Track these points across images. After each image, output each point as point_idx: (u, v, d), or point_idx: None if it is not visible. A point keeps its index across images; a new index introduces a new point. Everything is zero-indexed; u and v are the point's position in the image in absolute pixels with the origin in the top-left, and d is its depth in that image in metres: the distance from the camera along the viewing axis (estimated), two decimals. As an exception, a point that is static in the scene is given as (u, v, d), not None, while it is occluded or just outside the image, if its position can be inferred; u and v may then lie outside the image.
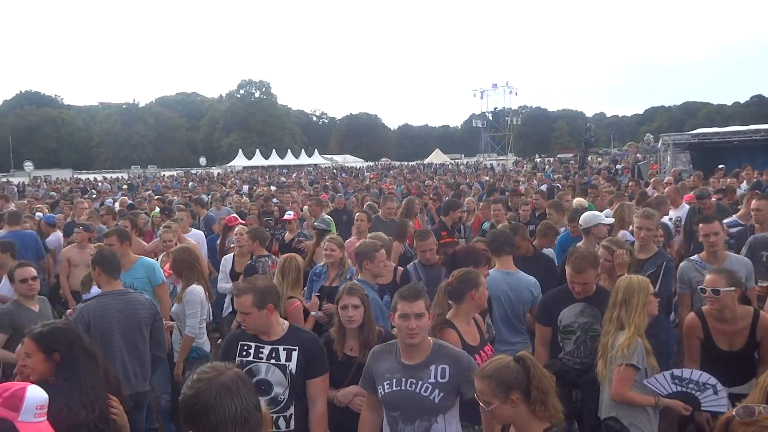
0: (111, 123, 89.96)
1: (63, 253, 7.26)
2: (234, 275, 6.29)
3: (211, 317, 6.37)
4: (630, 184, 12.47)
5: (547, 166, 33.15)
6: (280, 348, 3.30)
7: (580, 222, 5.66)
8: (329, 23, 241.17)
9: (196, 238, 7.67)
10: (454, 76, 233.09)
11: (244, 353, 3.33)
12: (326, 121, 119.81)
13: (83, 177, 50.92)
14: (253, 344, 3.33)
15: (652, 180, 12.90)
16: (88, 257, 5.67)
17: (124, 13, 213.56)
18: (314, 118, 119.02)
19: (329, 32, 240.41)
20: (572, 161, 38.85)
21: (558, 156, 62.30)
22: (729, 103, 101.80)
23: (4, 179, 48.19)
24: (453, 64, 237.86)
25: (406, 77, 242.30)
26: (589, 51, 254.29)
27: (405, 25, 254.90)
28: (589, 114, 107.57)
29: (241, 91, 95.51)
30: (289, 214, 8.08)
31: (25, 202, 14.64)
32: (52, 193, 24.02)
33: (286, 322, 3.44)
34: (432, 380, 3.01)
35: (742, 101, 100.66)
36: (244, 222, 7.87)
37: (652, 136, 64.52)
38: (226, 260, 6.63)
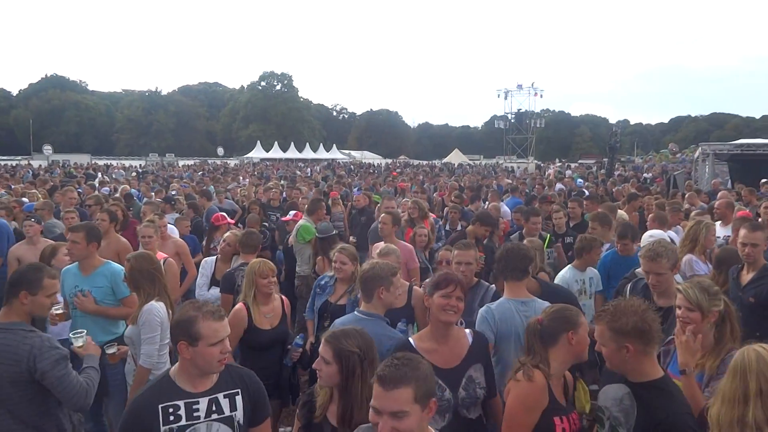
0: (133, 110, 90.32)
1: (11, 252, 5.88)
2: (216, 282, 5.44)
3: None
4: (677, 195, 11.37)
5: (569, 171, 31.80)
6: (220, 396, 2.56)
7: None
8: (353, 18, 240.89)
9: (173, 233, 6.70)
10: (476, 76, 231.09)
11: (172, 418, 2.45)
12: (346, 116, 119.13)
13: (101, 162, 50.84)
14: (181, 402, 2.49)
15: (688, 194, 11.51)
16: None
17: (152, 1, 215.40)
18: (334, 113, 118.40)
19: (352, 27, 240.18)
20: (594, 168, 37.53)
21: (579, 161, 60.83)
22: (757, 116, 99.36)
23: (24, 162, 48.17)
24: (475, 64, 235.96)
25: (427, 75, 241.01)
26: (614, 56, 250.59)
27: (429, 22, 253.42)
28: (612, 121, 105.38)
29: (263, 83, 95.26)
30: (289, 215, 7.18)
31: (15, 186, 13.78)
32: (65, 178, 23.44)
33: None
34: None
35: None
36: (233, 222, 7.00)
37: (677, 146, 63.09)
38: (207, 263, 5.70)
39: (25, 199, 8.88)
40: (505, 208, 9.50)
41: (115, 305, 4.47)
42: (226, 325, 2.55)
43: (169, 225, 6.77)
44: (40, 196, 10.75)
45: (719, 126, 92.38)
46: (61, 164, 45.84)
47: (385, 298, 3.51)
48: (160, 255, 5.22)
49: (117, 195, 11.31)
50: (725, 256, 4.69)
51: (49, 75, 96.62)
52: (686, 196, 11.01)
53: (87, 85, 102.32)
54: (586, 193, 13.75)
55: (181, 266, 6.13)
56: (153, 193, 13.02)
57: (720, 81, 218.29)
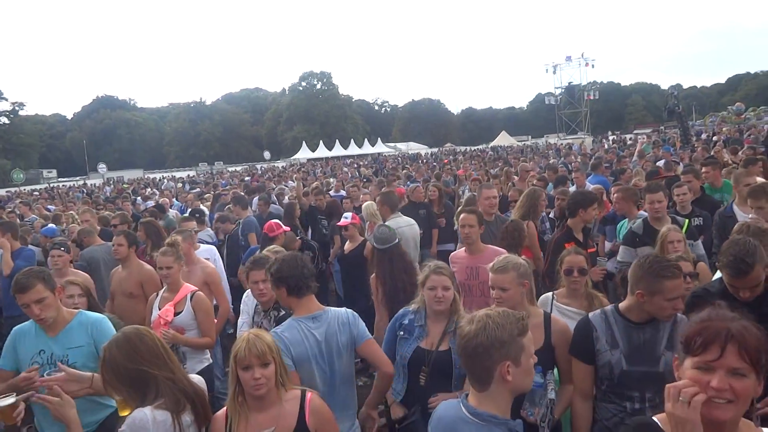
0: (179, 122, 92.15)
1: None
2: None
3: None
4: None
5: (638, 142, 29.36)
6: None
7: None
8: (386, 9, 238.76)
9: (208, 254, 5.58)
10: (516, 55, 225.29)
11: None
12: (388, 109, 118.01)
13: (152, 176, 51.61)
14: None
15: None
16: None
17: (190, 15, 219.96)
18: (376, 107, 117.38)
19: (386, 19, 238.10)
20: (653, 136, 34.71)
21: (634, 132, 57.74)
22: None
23: (81, 182, 49.36)
24: (513, 44, 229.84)
25: (467, 59, 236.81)
26: (661, 21, 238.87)
27: (465, 3, 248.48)
28: (664, 86, 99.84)
29: (303, 84, 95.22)
30: (345, 218, 5.93)
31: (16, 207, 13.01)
32: (115, 195, 23.14)
33: None
34: None
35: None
36: (289, 229, 5.78)
37: (743, 106, 58.82)
38: (249, 298, 4.08)
39: (52, 225, 7.90)
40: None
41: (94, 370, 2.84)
42: None
43: (203, 247, 5.68)
44: (76, 216, 9.95)
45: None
46: (114, 180, 46.67)
47: (515, 379, 1.93)
48: (187, 288, 4.11)
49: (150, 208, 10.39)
50: None
51: (100, 96, 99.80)
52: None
53: (136, 102, 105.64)
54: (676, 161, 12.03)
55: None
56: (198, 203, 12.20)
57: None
